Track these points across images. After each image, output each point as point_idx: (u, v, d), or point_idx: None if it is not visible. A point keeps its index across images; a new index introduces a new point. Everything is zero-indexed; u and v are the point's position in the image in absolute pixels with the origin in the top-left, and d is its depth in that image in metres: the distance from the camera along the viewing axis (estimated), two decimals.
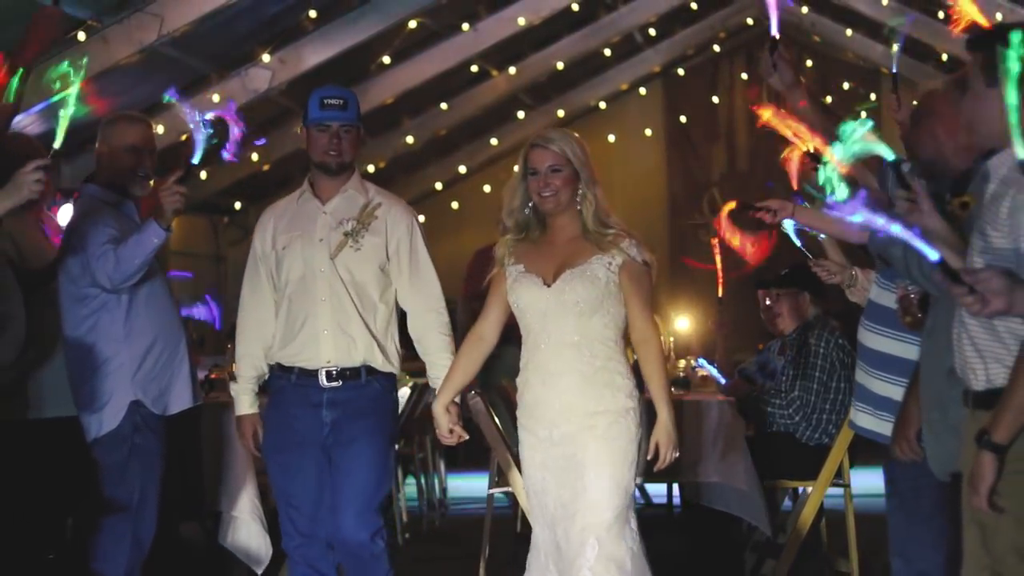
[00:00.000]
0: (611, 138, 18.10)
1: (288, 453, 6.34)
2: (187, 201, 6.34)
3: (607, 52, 16.66)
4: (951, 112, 5.02)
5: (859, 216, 4.29)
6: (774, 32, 5.93)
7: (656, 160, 18.15)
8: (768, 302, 8.84)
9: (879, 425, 5.69)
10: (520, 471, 6.05)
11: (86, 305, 6.53)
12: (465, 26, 13.97)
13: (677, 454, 5.72)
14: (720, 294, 9.29)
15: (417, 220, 6.54)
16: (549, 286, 5.68)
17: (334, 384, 6.31)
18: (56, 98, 6.62)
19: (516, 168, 5.87)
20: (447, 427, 5.94)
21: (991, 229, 4.26)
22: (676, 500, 9.62)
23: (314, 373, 6.32)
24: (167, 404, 6.54)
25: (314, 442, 6.31)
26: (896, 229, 4.21)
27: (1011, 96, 4.10)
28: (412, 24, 13.31)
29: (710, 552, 8.52)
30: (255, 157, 14.17)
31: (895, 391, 5.60)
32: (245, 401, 6.51)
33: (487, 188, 17.05)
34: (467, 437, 6.04)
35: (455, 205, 17.65)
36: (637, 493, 9.85)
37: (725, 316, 9.96)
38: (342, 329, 6.31)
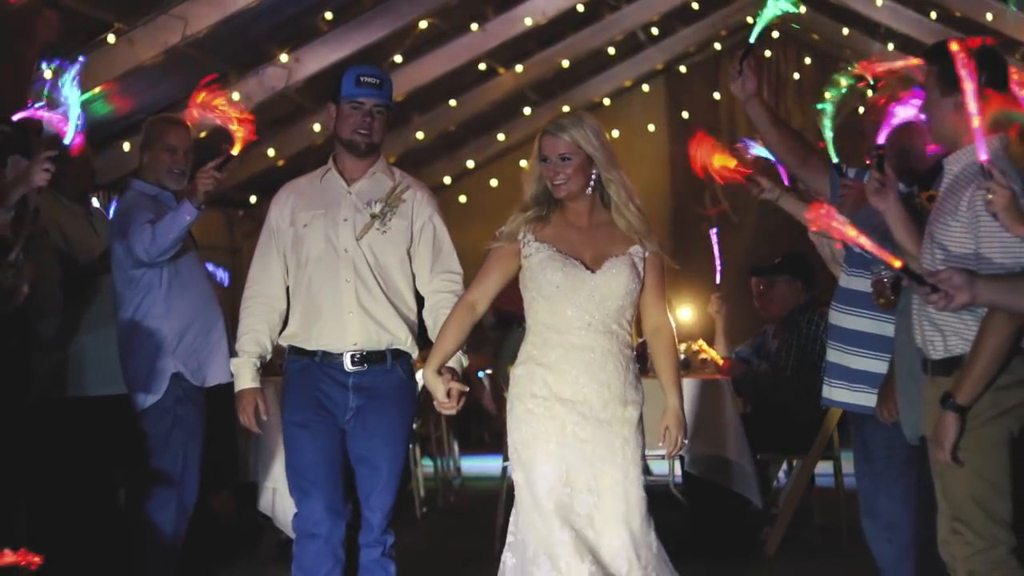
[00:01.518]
0: (615, 133, 18.10)
1: (313, 429, 6.14)
2: (220, 185, 6.69)
3: (611, 50, 16.71)
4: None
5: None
6: (752, 40, 6.18)
7: (659, 155, 18.17)
8: (762, 288, 9.31)
9: (854, 397, 6.15)
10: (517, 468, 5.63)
11: (133, 288, 7.01)
12: (474, 26, 14.07)
13: (687, 441, 5.74)
14: (717, 281, 9.74)
15: (439, 206, 6.43)
16: (593, 271, 5.52)
17: (359, 368, 6.16)
18: (83, 97, 7.10)
19: (534, 151, 5.67)
20: (443, 390, 5.66)
21: (952, 219, 4.83)
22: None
23: (339, 356, 6.17)
24: (205, 376, 7.00)
25: (336, 421, 6.16)
26: (863, 241, 4.76)
27: (971, 104, 4.68)
28: (423, 24, 13.39)
29: (709, 521, 8.99)
30: (271, 152, 14.31)
31: (871, 364, 6.06)
32: (246, 375, 6.29)
33: (494, 182, 17.29)
34: (467, 390, 5.76)
35: (463, 199, 17.72)
36: None
37: (722, 302, 10.36)
38: (367, 311, 6.15)
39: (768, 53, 18.14)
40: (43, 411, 7.11)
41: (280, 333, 6.34)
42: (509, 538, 5.62)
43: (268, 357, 6.36)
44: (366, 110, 6.20)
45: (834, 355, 6.26)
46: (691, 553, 8.61)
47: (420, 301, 6.36)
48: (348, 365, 6.16)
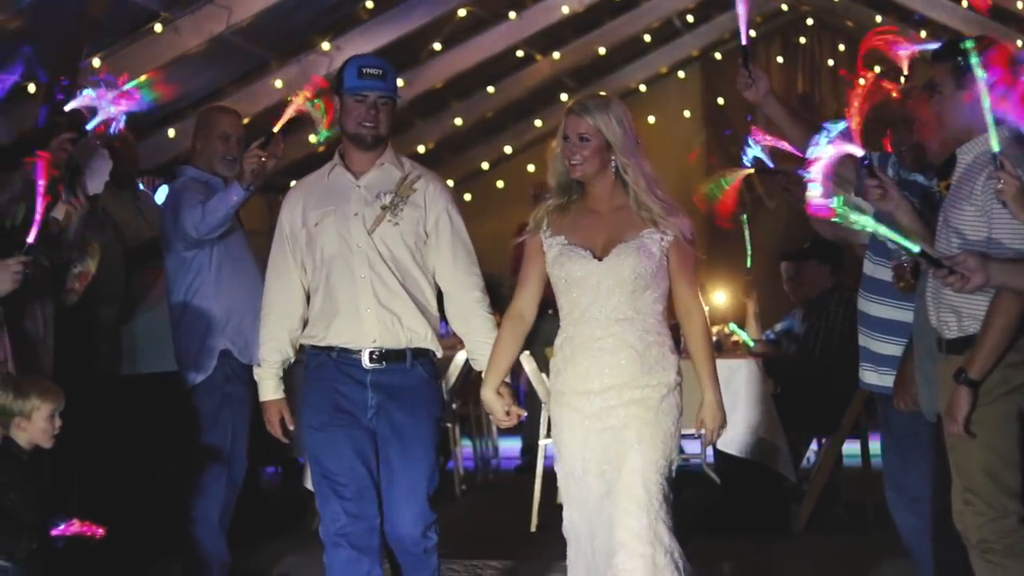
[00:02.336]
0: (651, 119, 18.22)
1: (333, 432, 5.99)
2: (266, 165, 6.74)
3: (647, 38, 16.78)
4: (925, 111, 5.76)
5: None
6: (744, 42, 6.08)
7: (695, 140, 18.18)
8: (791, 272, 9.56)
9: (882, 379, 6.35)
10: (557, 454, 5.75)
11: (185, 269, 7.28)
12: (512, 14, 14.15)
13: (724, 431, 5.78)
14: (749, 265, 9.97)
15: (454, 197, 6.28)
16: (600, 259, 5.53)
17: (378, 366, 6.00)
18: (129, 85, 7.38)
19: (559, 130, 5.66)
20: (502, 411, 5.74)
21: (966, 205, 5.11)
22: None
23: (357, 353, 6.01)
24: (253, 354, 7.17)
25: (359, 421, 5.99)
26: (883, 231, 5.04)
27: (985, 100, 4.95)
28: (461, 12, 13.47)
29: (740, 499, 9.23)
30: (312, 139, 14.43)
31: (895, 349, 6.26)
32: (270, 386, 6.17)
33: (531, 168, 17.34)
34: (524, 414, 5.88)
35: (500, 184, 17.81)
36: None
37: (753, 285, 10.57)
38: (385, 306, 5.99)
39: (803, 40, 18.21)
40: (102, 389, 7.39)
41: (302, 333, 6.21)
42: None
43: (292, 360, 6.23)
44: (370, 102, 6.02)
45: (864, 340, 6.47)
46: (722, 529, 8.96)
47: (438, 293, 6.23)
48: (366, 362, 6.00)
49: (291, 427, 6.17)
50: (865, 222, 5.07)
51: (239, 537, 7.77)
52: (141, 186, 8.47)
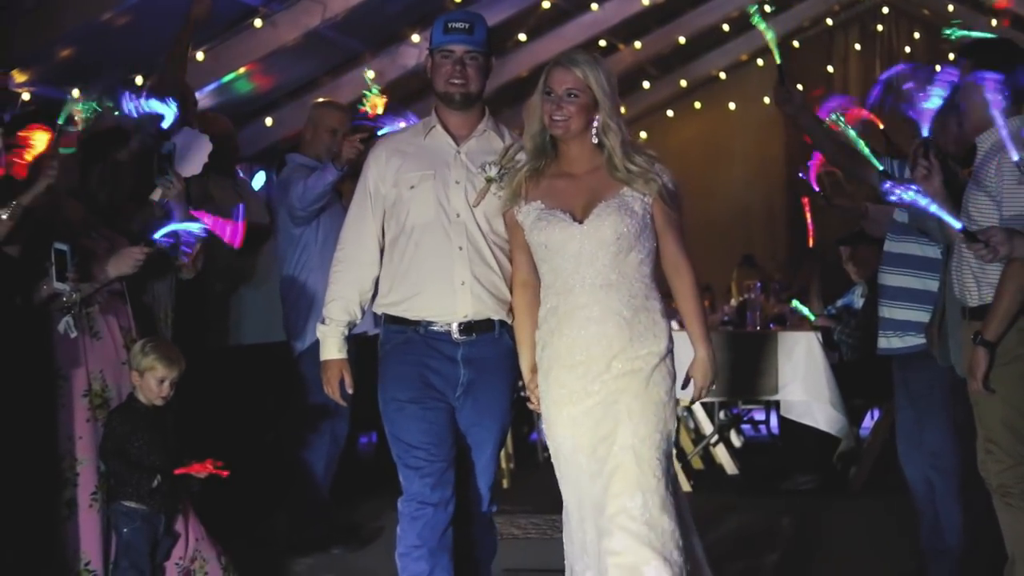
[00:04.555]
0: (731, 106, 18.65)
1: (422, 408, 5.68)
2: (359, 153, 7.24)
3: (725, 27, 17.02)
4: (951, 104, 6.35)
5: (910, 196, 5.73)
6: (778, 60, 6.59)
7: (774, 125, 18.36)
8: (848, 255, 10.15)
9: (904, 342, 6.98)
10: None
11: (294, 246, 7.98)
12: (594, 6, 14.42)
13: (714, 386, 5.49)
14: (811, 245, 10.51)
15: None
16: (581, 222, 5.23)
17: (468, 338, 5.69)
18: (226, 79, 7.93)
19: (539, 85, 5.36)
20: (534, 385, 5.48)
21: (979, 190, 5.78)
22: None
23: (446, 326, 5.69)
24: None
25: (447, 398, 5.72)
26: (933, 208, 5.68)
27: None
28: (546, 4, 13.74)
29: (802, 462, 9.84)
30: (402, 125, 14.59)
31: (913, 315, 6.91)
32: (333, 344, 5.83)
33: None
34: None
35: None
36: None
37: (815, 263, 11.14)
38: (481, 282, 5.66)
39: (880, 28, 18.55)
40: (213, 359, 7.87)
41: (373, 299, 5.89)
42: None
43: (357, 324, 5.91)
44: (457, 57, 5.65)
45: (886, 311, 7.07)
46: (784, 490, 9.58)
47: None
48: (456, 334, 5.68)
49: (350, 390, 5.88)
50: (922, 200, 5.69)
51: (340, 496, 8.34)
52: (240, 173, 8.95)
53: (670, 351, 5.34)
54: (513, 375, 5.78)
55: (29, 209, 5.87)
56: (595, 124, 5.29)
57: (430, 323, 5.69)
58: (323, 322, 5.88)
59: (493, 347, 5.73)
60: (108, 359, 6.44)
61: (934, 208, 5.65)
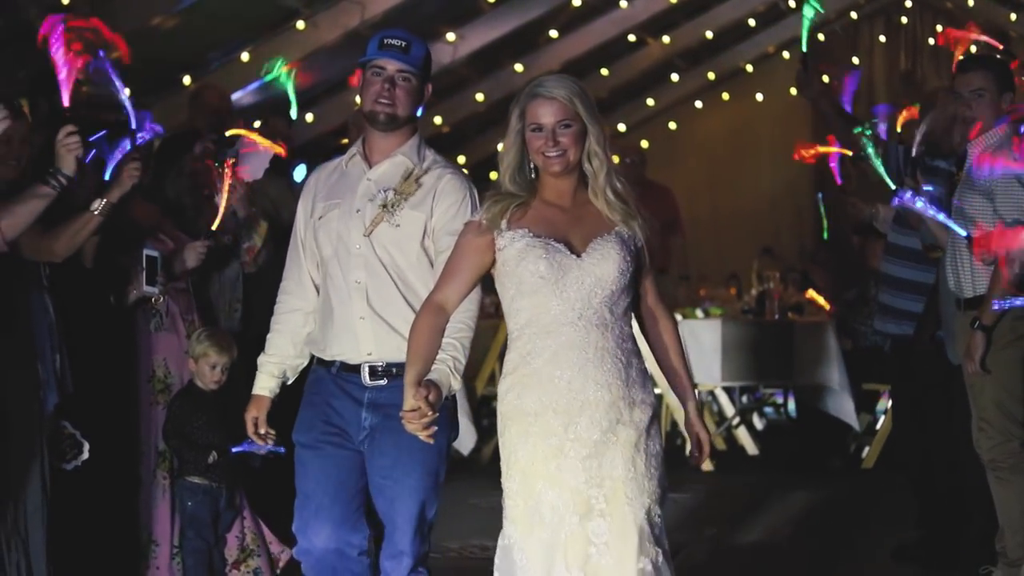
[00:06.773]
0: (759, 97, 18.90)
1: (323, 452, 5.20)
2: None
3: (751, 22, 17.27)
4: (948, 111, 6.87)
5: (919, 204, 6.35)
6: (804, 49, 6.99)
7: (801, 117, 18.04)
8: (862, 245, 10.63)
9: (900, 328, 7.59)
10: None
11: None
12: (623, 3, 14.70)
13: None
14: (825, 237, 10.99)
15: (473, 196, 5.19)
16: (579, 256, 4.61)
17: (378, 382, 5.12)
18: (268, 78, 8.42)
19: (512, 120, 4.68)
20: (412, 403, 4.50)
21: (971, 191, 6.39)
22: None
23: (356, 368, 5.16)
24: None
25: (351, 443, 5.18)
26: (940, 217, 6.35)
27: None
28: (576, 2, 14.06)
29: (818, 442, 10.42)
30: (438, 120, 14.84)
31: (912, 305, 7.48)
32: (262, 379, 5.38)
33: (644, 144, 18.20)
34: (432, 416, 4.55)
35: (615, 159, 18.28)
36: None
37: (830, 255, 11.62)
38: (382, 317, 5.11)
39: (904, 19, 18.82)
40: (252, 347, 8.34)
41: None
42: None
43: (291, 380, 5.44)
44: (388, 75, 5.13)
45: (886, 298, 7.67)
46: (803, 467, 10.18)
47: None
48: (367, 379, 5.14)
49: (261, 430, 5.38)
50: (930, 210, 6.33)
51: None
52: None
53: (655, 401, 4.76)
54: (447, 431, 5.12)
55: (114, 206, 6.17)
56: (583, 153, 4.66)
57: (343, 363, 5.20)
58: (264, 352, 5.46)
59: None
60: (171, 348, 6.89)
61: (941, 218, 6.22)
